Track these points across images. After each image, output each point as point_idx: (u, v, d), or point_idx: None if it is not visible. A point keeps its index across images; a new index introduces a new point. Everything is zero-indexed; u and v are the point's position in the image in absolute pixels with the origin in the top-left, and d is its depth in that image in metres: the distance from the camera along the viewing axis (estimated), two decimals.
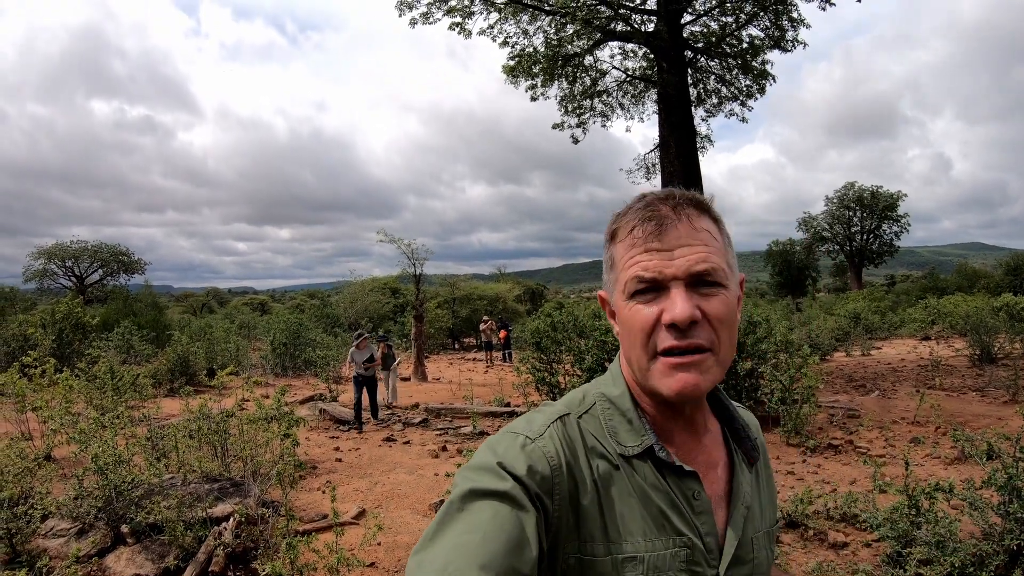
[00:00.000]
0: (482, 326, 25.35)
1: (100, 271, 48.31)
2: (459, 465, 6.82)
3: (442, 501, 6.79)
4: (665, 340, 0.92)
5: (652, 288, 0.93)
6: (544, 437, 0.96)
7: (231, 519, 5.33)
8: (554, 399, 7.94)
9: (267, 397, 7.50)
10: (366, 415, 11.84)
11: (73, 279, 47.08)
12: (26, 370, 8.80)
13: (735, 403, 1.16)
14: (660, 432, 1.01)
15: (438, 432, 10.84)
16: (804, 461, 7.96)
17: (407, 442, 10.11)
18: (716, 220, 1.00)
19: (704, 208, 0.99)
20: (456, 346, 34.25)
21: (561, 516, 0.92)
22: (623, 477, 0.96)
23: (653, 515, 0.94)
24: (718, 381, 0.96)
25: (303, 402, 13.52)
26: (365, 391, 11.78)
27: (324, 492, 7.21)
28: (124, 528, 5.22)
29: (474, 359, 26.69)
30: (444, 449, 9.50)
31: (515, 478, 0.89)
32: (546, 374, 10.13)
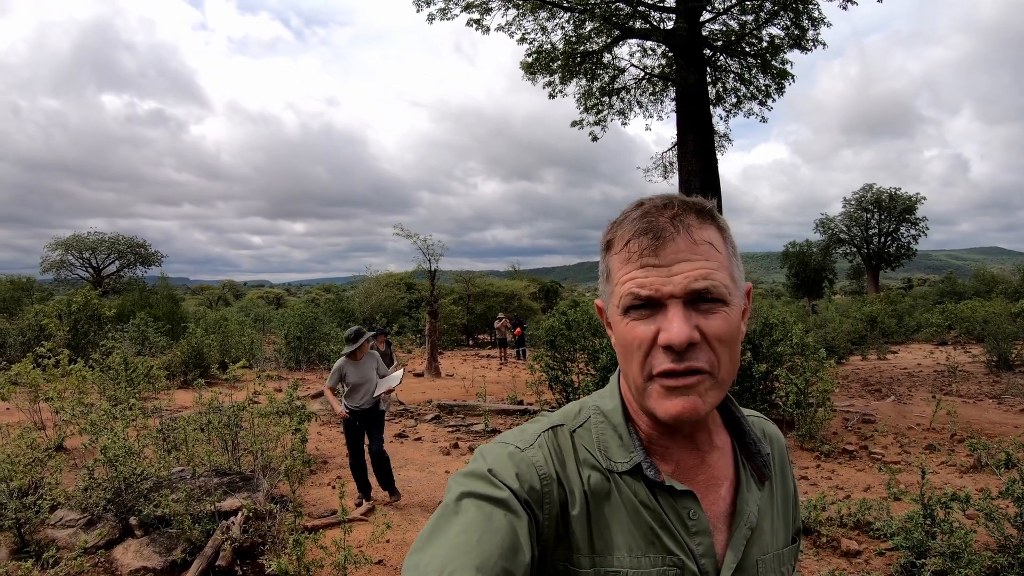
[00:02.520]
0: (496, 323, 25.42)
1: (117, 263, 48.64)
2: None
3: None
4: (661, 362, 0.88)
5: (648, 305, 0.89)
6: (533, 447, 0.96)
7: (239, 514, 5.34)
8: (567, 398, 7.91)
9: (280, 391, 7.50)
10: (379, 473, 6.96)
11: (90, 270, 47.47)
12: (40, 360, 8.86)
13: (753, 413, 1.13)
14: (657, 449, 0.98)
15: (450, 429, 10.83)
16: (818, 466, 7.88)
17: (419, 438, 10.11)
18: (721, 229, 0.95)
19: (707, 216, 0.94)
20: (470, 343, 34.26)
21: (550, 524, 0.91)
22: (614, 491, 0.94)
23: (643, 532, 0.92)
24: (718, 402, 0.92)
25: (315, 396, 13.55)
26: (367, 441, 7.02)
27: (334, 488, 7.21)
28: (132, 520, 5.24)
29: (488, 356, 26.72)
30: (456, 446, 9.49)
31: (506, 485, 0.89)
32: (560, 373, 10.11)
